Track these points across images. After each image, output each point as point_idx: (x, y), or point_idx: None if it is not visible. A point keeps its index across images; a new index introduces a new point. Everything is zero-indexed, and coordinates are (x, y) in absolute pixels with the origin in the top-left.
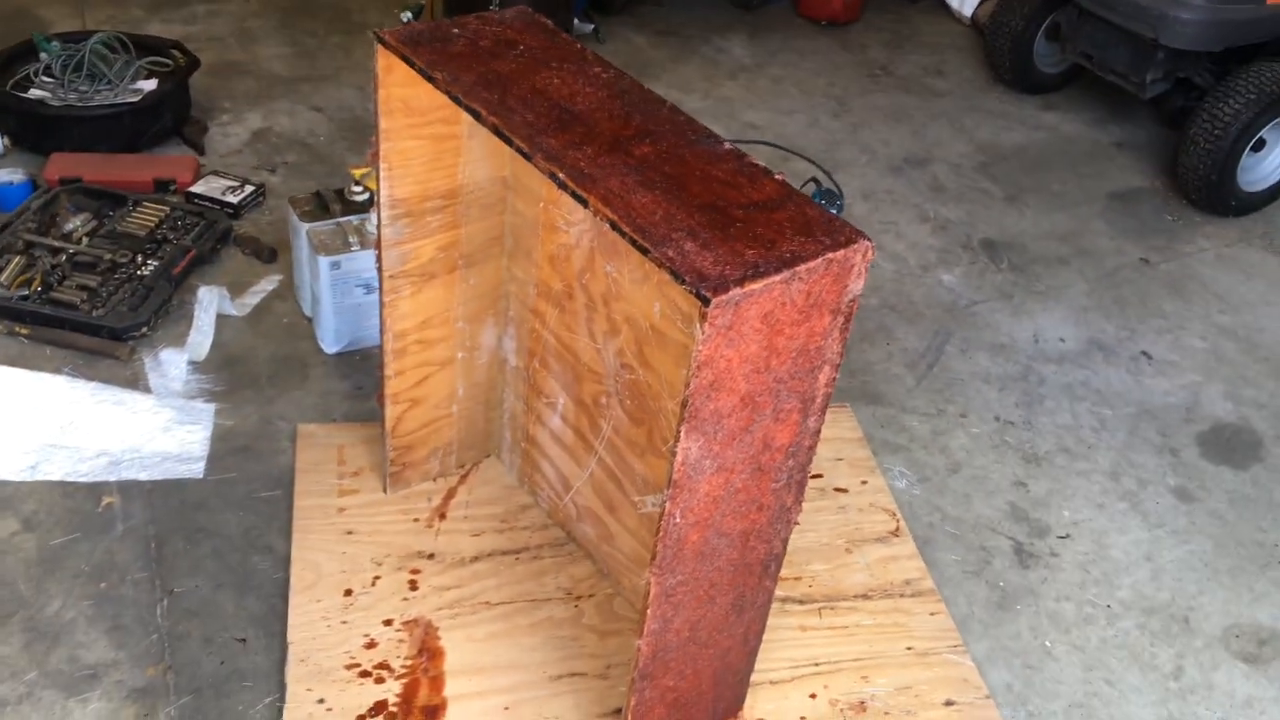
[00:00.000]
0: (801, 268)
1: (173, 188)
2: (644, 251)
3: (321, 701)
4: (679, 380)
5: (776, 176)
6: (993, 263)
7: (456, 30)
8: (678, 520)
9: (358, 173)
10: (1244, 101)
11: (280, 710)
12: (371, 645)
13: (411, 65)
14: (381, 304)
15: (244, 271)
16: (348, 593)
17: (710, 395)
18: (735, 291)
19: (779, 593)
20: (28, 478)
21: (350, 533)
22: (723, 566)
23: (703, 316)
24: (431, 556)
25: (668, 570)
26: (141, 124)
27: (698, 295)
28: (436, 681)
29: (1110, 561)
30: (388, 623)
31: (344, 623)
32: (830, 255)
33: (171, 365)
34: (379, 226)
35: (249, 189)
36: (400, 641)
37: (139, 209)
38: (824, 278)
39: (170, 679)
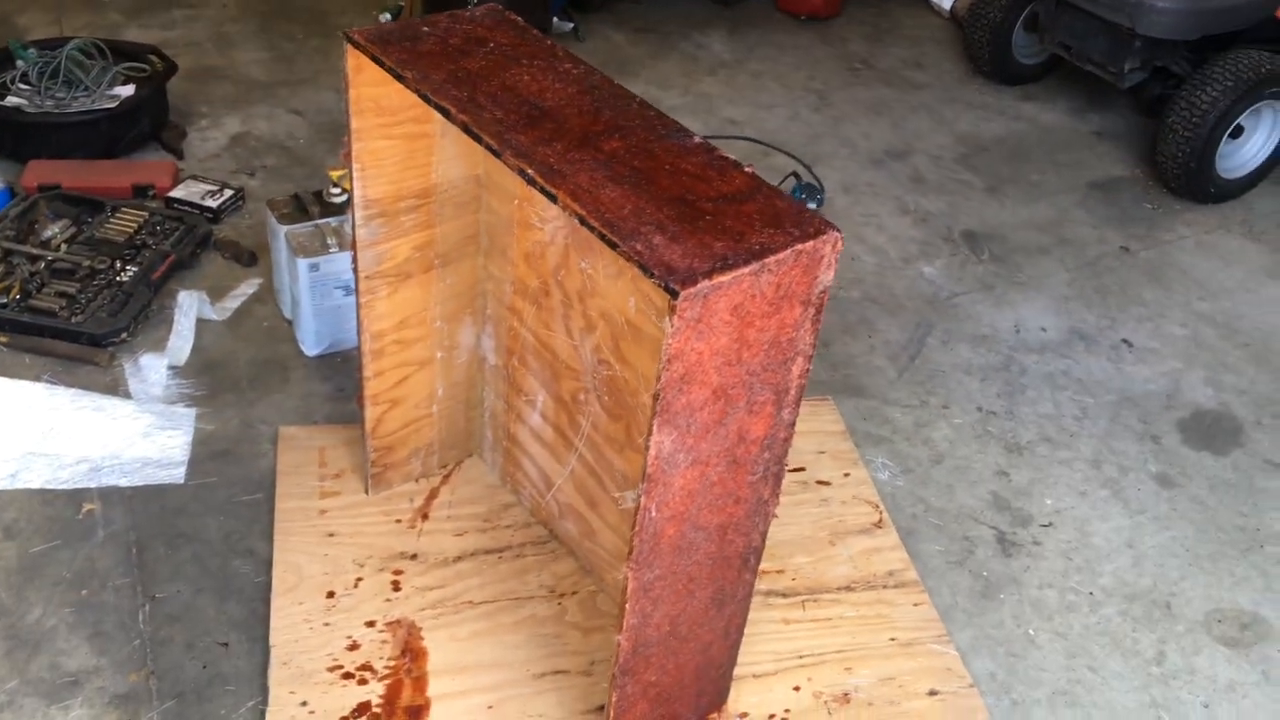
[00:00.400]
0: (770, 259)
1: (152, 193)
2: (612, 246)
3: (304, 704)
4: (655, 375)
5: (746, 169)
6: (974, 254)
7: (426, 29)
8: (653, 515)
9: (335, 174)
10: (1221, 89)
11: (263, 714)
12: (354, 647)
13: (381, 64)
14: (358, 305)
15: (224, 275)
16: (330, 595)
17: (682, 388)
18: (704, 284)
19: (762, 586)
20: (8, 486)
21: (332, 535)
22: (701, 560)
23: (671, 309)
24: (414, 557)
25: (645, 565)
26: (119, 130)
27: (666, 288)
28: (420, 682)
29: (1092, 549)
30: (370, 624)
31: (326, 625)
32: (799, 247)
33: (151, 370)
34: (353, 227)
35: (228, 193)
36: (383, 642)
37: (118, 215)
38: (793, 269)
39: (152, 684)
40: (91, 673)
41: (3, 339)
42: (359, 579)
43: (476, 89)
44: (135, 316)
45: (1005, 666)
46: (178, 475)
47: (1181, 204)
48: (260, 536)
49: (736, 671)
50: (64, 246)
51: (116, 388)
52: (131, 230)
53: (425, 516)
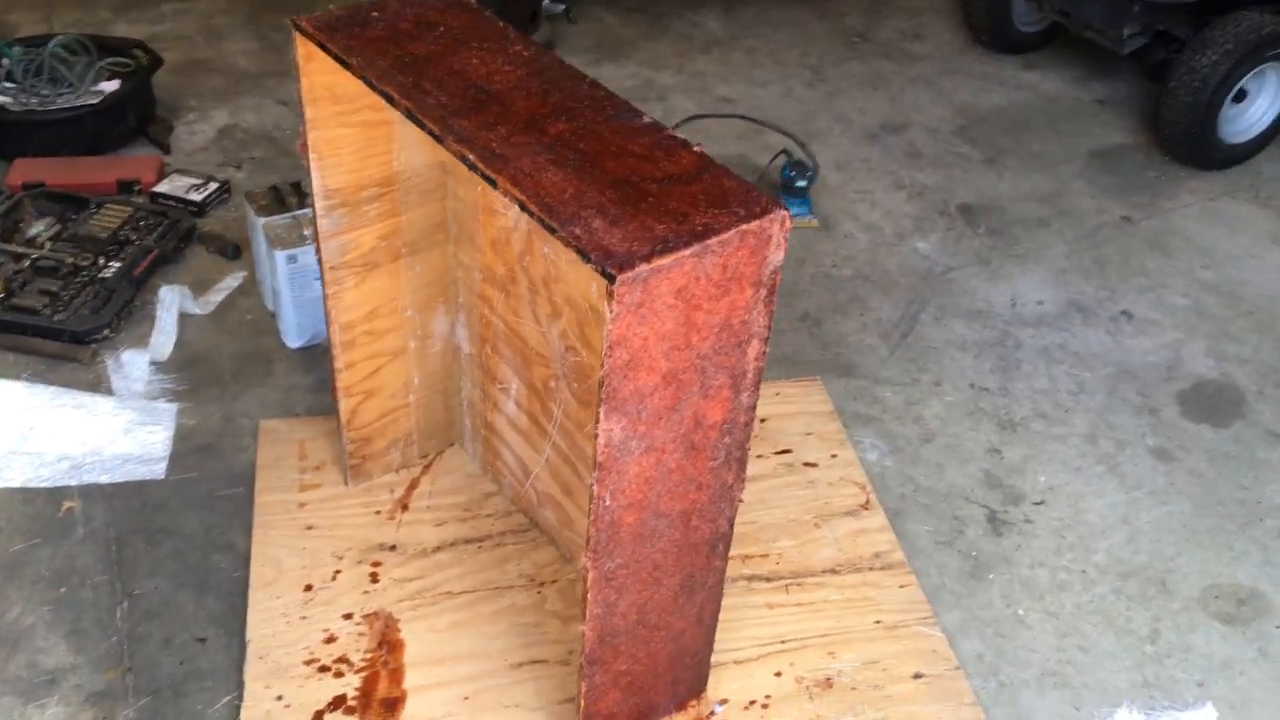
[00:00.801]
0: (713, 240)
1: (137, 188)
2: (551, 230)
3: (280, 698)
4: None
5: (695, 149)
6: (970, 228)
7: (376, 14)
8: (608, 503)
9: None
10: (1221, 52)
11: (238, 709)
12: (331, 640)
13: (327, 51)
14: (325, 296)
15: (208, 269)
16: (308, 588)
17: (627, 374)
18: (642, 267)
19: (745, 570)
20: None
21: (311, 528)
22: (666, 548)
23: (610, 294)
24: (393, 548)
25: (604, 554)
26: (103, 125)
27: (603, 273)
28: (396, 674)
29: (1086, 525)
30: (348, 616)
31: (303, 618)
32: (744, 227)
33: (133, 366)
34: (314, 218)
35: (213, 186)
36: (360, 635)
37: (102, 211)
38: (740, 250)
39: (129, 681)
40: (68, 670)
41: None
42: (337, 571)
43: (423, 74)
44: (118, 313)
45: (993, 648)
46: (158, 471)
47: (1186, 171)
48: (240, 531)
49: (717, 658)
50: (48, 244)
51: (99, 385)
52: (115, 226)
53: (405, 507)
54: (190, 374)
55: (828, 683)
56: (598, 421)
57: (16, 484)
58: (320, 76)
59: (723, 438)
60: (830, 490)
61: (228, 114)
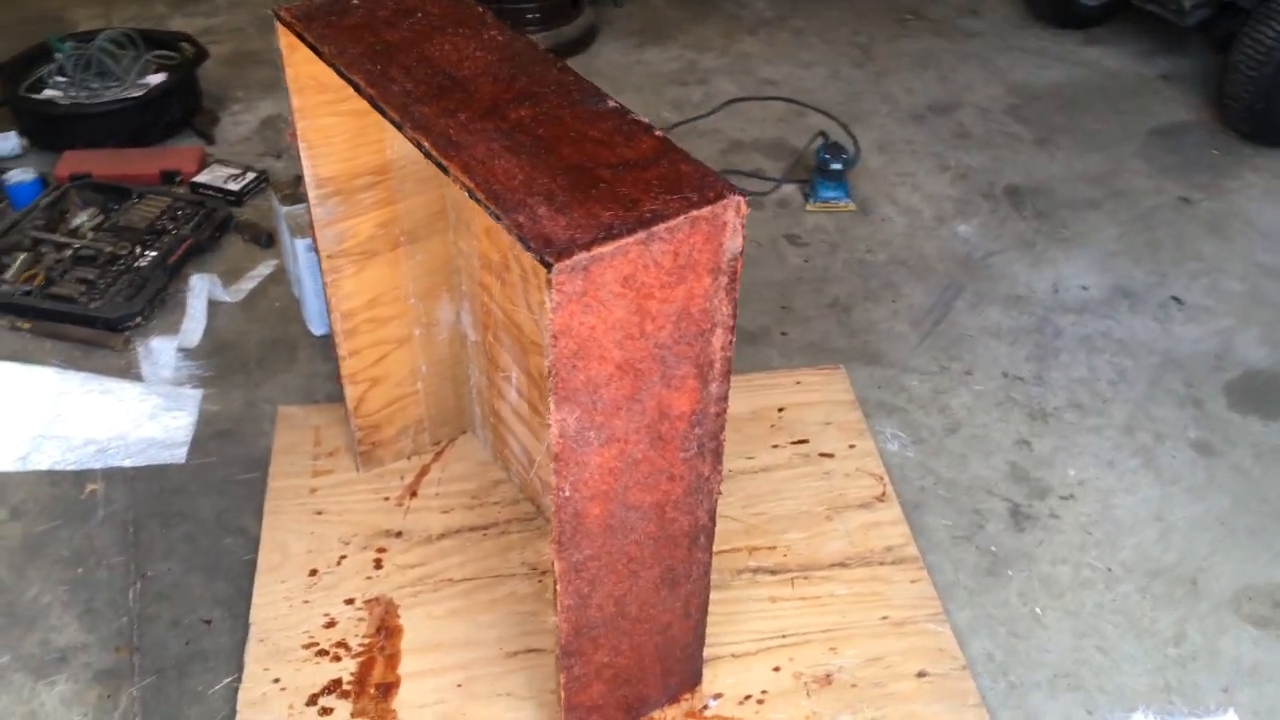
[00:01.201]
0: (660, 227)
1: (178, 178)
2: (496, 218)
3: (277, 681)
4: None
5: (656, 133)
6: (1015, 210)
7: (357, 2)
8: (568, 494)
9: None
10: None
11: (237, 690)
12: (331, 624)
13: (303, 40)
14: (324, 285)
15: (242, 258)
16: (313, 573)
17: (576, 364)
18: (581, 255)
19: (750, 563)
20: (18, 468)
21: (320, 513)
22: (641, 540)
23: (549, 283)
24: (399, 535)
25: (570, 545)
26: (148, 117)
27: (542, 261)
28: (392, 659)
29: (1115, 522)
30: (349, 601)
31: (306, 602)
32: (696, 213)
33: (162, 353)
34: (308, 207)
35: (250, 176)
36: (360, 620)
37: (143, 201)
38: (692, 236)
39: (135, 660)
40: (79, 649)
41: (26, 325)
42: (343, 557)
43: (392, 61)
44: (150, 300)
45: (1005, 647)
46: (180, 455)
47: (1251, 148)
48: (253, 515)
49: (714, 651)
50: (90, 234)
51: (129, 371)
52: (153, 216)
53: (414, 494)
54: (217, 360)
55: (827, 679)
56: (549, 412)
57: (45, 467)
58: (304, 66)
59: (693, 429)
60: (846, 481)
61: (273, 104)
